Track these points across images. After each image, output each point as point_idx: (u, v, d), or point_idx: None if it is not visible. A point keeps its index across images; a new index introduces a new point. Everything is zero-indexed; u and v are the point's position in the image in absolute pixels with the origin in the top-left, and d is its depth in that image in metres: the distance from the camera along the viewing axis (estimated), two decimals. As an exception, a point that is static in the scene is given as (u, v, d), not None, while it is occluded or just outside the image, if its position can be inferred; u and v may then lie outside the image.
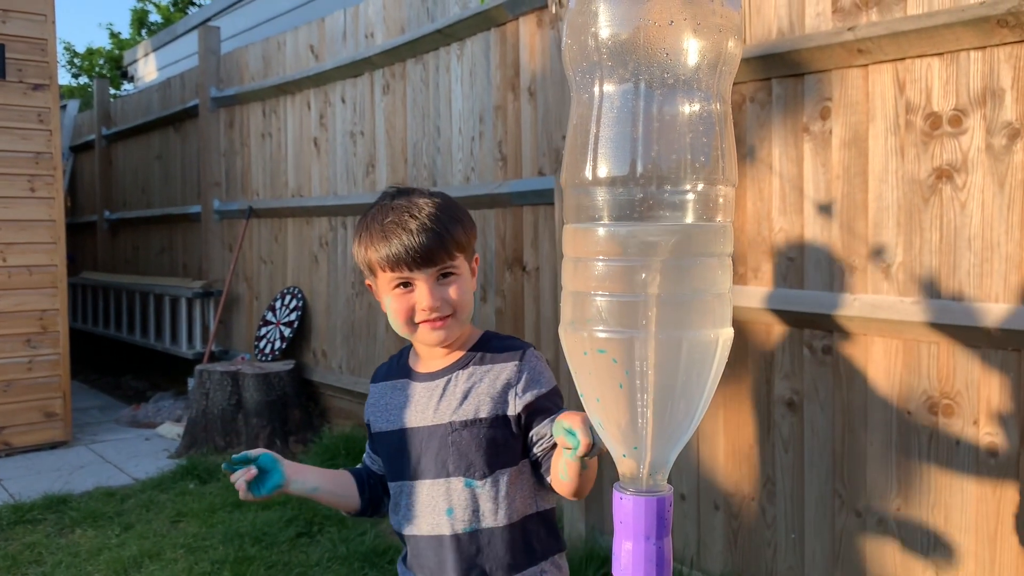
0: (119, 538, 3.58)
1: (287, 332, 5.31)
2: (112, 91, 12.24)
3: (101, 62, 15.48)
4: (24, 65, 5.01)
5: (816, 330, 2.57)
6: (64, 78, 16.39)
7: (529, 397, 1.43)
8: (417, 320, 1.40)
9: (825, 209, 2.53)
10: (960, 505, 2.28)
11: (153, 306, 6.82)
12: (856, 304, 2.45)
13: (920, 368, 2.35)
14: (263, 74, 5.71)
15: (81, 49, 16.25)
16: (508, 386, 1.44)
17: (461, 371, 1.46)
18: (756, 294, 2.69)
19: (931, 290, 2.32)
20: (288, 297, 5.43)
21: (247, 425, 4.88)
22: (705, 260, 0.57)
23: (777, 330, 2.67)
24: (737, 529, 2.82)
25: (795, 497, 2.65)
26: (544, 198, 3.49)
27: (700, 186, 0.56)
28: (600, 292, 0.57)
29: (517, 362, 1.45)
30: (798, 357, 2.62)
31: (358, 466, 1.62)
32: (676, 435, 0.61)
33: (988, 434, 2.22)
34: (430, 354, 1.50)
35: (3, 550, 3.46)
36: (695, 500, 2.93)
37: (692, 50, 0.54)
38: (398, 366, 1.53)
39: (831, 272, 2.52)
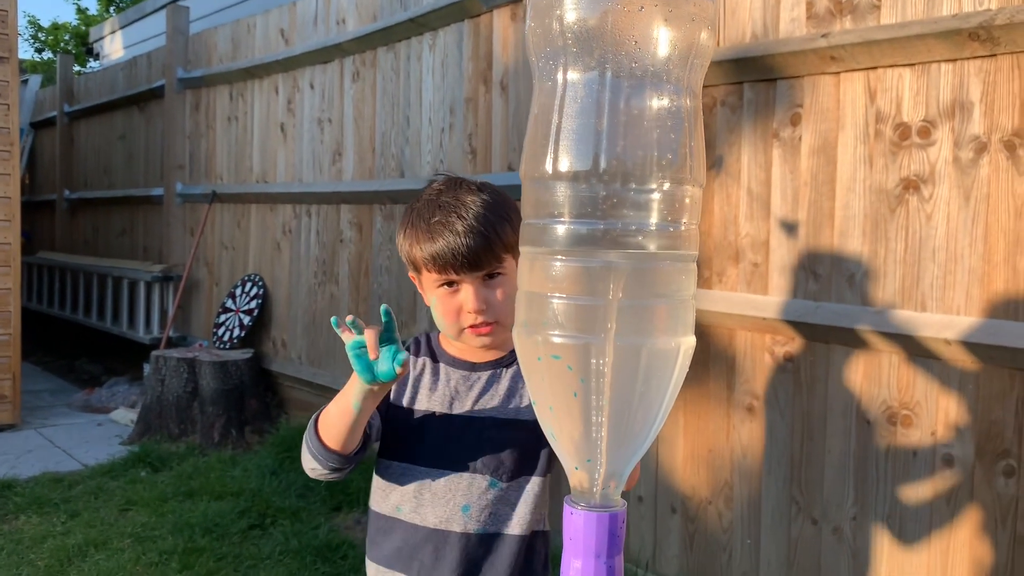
0: (64, 526, 3.49)
1: (247, 320, 5.23)
2: (77, 68, 11.98)
3: (67, 38, 15.14)
4: (-17, 36, 4.87)
5: (778, 336, 2.56)
6: (27, 53, 16.02)
7: None
8: (464, 324, 1.35)
9: (792, 216, 2.53)
10: (915, 515, 2.28)
11: (111, 289, 6.68)
12: (819, 312, 2.44)
13: (880, 378, 2.35)
14: (231, 56, 5.60)
15: (46, 23, 15.90)
16: None
17: (506, 369, 1.41)
18: (720, 298, 2.67)
19: (895, 300, 2.32)
20: (249, 284, 5.34)
21: (203, 413, 4.79)
22: (669, 264, 0.54)
23: (740, 335, 2.66)
24: (694, 533, 2.81)
25: (752, 502, 2.64)
26: (514, 194, 3.45)
27: (666, 185, 0.53)
28: (557, 294, 0.53)
29: None
30: (760, 363, 2.62)
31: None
32: (632, 447, 0.58)
33: (945, 445, 2.23)
34: (471, 348, 1.45)
35: (-58, 535, 3.36)
36: (652, 502, 2.92)
37: (663, 39, 0.50)
38: (428, 347, 1.45)
39: (795, 279, 2.52)
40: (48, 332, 8.01)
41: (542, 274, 0.54)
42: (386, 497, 1.41)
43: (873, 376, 2.36)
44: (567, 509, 0.58)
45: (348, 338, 1.22)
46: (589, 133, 0.50)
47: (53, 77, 8.54)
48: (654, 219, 0.53)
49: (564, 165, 0.52)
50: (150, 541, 3.31)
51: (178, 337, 5.95)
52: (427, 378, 1.41)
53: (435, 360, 1.43)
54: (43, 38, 15.84)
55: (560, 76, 0.51)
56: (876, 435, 2.35)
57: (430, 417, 1.38)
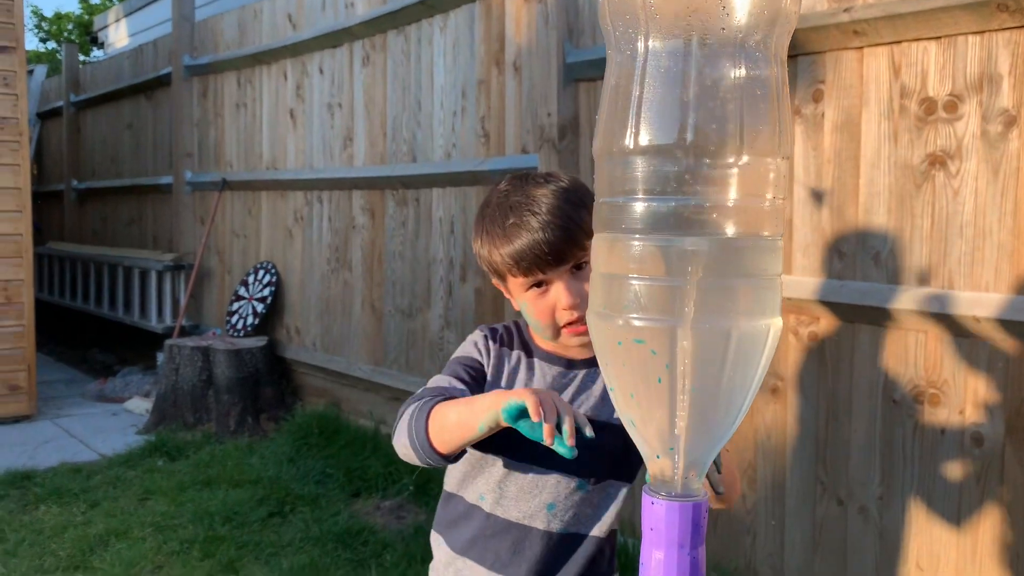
0: (85, 515, 3.50)
1: (260, 308, 5.21)
2: (82, 57, 11.94)
3: (70, 27, 15.10)
4: (-11, 26, 4.84)
5: (802, 316, 2.53)
6: (31, 43, 15.98)
7: None
8: (560, 323, 1.29)
9: (815, 194, 2.49)
10: (943, 496, 2.26)
11: (122, 279, 6.67)
12: (844, 291, 2.42)
13: (907, 357, 2.32)
14: (238, 43, 5.56)
15: (49, 13, 15.85)
16: None
17: (595, 370, 1.35)
18: (743, 278, 2.64)
19: (921, 278, 2.29)
20: (261, 272, 5.33)
21: (218, 402, 4.79)
22: (754, 241, 0.52)
23: (763, 315, 2.63)
24: (717, 515, 2.79)
25: (776, 484, 2.63)
26: (527, 176, 3.42)
27: (751, 158, 0.50)
28: (637, 275, 0.51)
29: None
30: (783, 343, 2.59)
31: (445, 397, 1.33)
32: (716, 435, 0.56)
33: (974, 424, 2.20)
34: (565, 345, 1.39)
35: (-36, 526, 3.36)
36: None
37: (751, 4, 0.48)
38: (521, 340, 1.39)
39: (820, 258, 2.49)
40: (60, 323, 8.02)
41: (620, 255, 0.52)
42: (469, 484, 1.37)
43: (900, 355, 2.34)
44: (647, 499, 0.55)
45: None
46: (674, 104, 0.48)
47: (58, 67, 8.51)
48: (738, 194, 0.50)
49: (646, 138, 0.49)
50: (170, 530, 3.31)
51: (191, 326, 5.95)
52: (523, 372, 1.36)
53: (529, 354, 1.37)
54: (47, 28, 15.80)
55: (640, 44, 0.49)
56: (903, 415, 2.33)
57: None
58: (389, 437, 4.32)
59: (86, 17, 14.60)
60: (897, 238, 2.33)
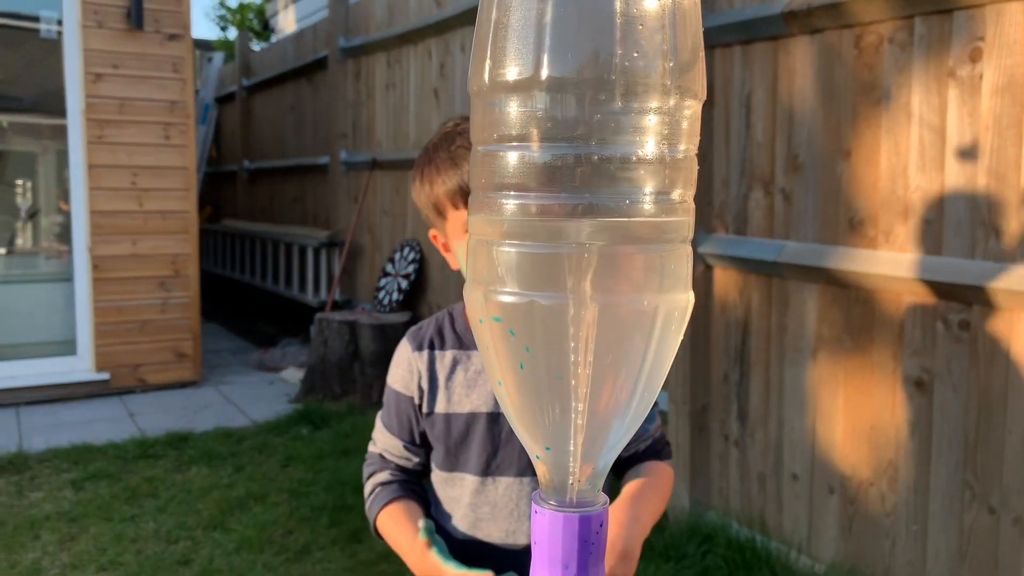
0: (230, 478, 3.69)
1: (404, 284, 5.32)
2: (260, 44, 12.62)
3: (251, 16, 16.01)
4: (160, 15, 5.16)
5: (953, 302, 2.28)
6: (214, 32, 17.06)
7: None
8: None
9: (971, 165, 2.22)
10: (1116, 510, 1.97)
11: (283, 254, 7.02)
12: (1002, 274, 2.15)
13: (1075, 350, 2.03)
14: (388, 23, 5.67)
15: (233, 4, 16.85)
16: None
17: None
18: (887, 260, 2.41)
19: (1094, 261, 1.99)
20: (407, 249, 5.44)
21: (362, 375, 4.93)
22: (652, 199, 0.41)
23: (908, 300, 2.39)
24: (853, 516, 2.58)
25: (919, 486, 2.39)
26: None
27: (655, 98, 0.39)
28: (505, 241, 0.42)
29: None
30: (931, 331, 2.34)
31: (390, 480, 1.26)
32: (603, 434, 0.45)
33: None
34: None
35: (125, 482, 3.62)
36: (808, 481, 2.70)
37: None
38: (454, 334, 1.27)
39: (974, 237, 2.22)
40: (230, 295, 8.56)
41: (487, 213, 0.42)
42: (443, 514, 1.26)
43: (1067, 348, 2.05)
44: (533, 507, 0.46)
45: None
46: (533, 27, 0.37)
47: (235, 54, 9.03)
48: (646, 143, 0.40)
49: (512, 71, 0.39)
50: (304, 496, 3.43)
51: (344, 300, 6.17)
52: (460, 375, 1.24)
53: (464, 347, 1.25)
54: (229, 18, 16.83)
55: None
56: (1069, 416, 2.05)
57: (474, 418, 1.23)
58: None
59: (263, 5, 15.44)
60: (1067, 215, 2.04)
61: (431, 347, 1.27)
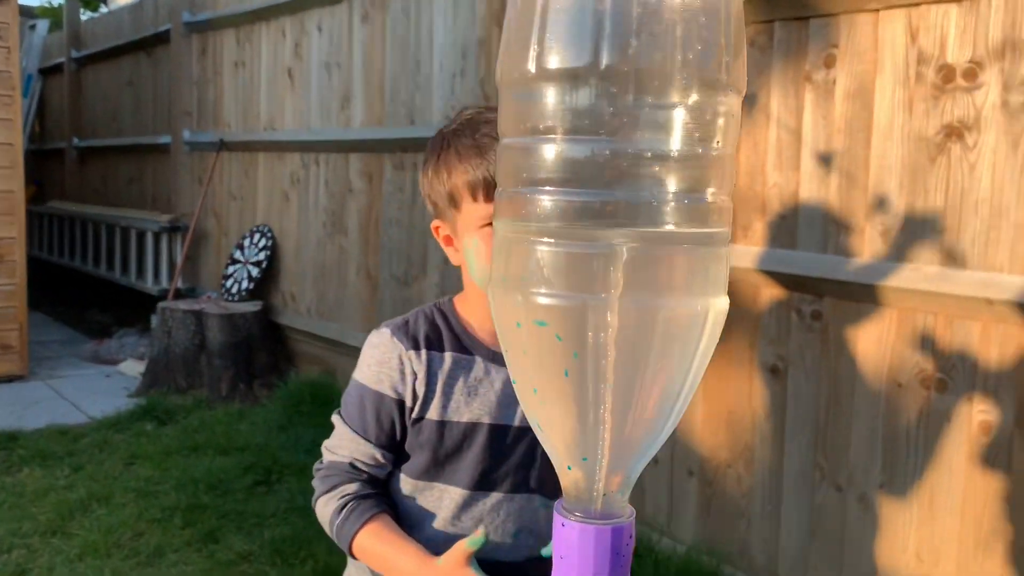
0: (68, 479, 3.43)
1: (255, 272, 5.12)
2: (89, 13, 11.77)
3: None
4: (-20, -24, 4.71)
5: (806, 294, 2.42)
6: (39, -1, 15.77)
7: None
8: None
9: (824, 165, 2.36)
10: (948, 484, 2.15)
11: (120, 239, 6.58)
12: (851, 268, 2.30)
13: (914, 339, 2.21)
14: (238, -1, 5.42)
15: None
16: None
17: None
18: (745, 253, 2.53)
19: (933, 256, 2.16)
20: (257, 235, 5.23)
21: (210, 366, 4.71)
22: (697, 199, 0.40)
23: (765, 292, 2.52)
24: (711, 497, 2.70)
25: (773, 467, 2.53)
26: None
27: (694, 94, 0.38)
28: (544, 239, 0.40)
29: None
30: (785, 321, 2.48)
31: (365, 493, 1.15)
32: (642, 442, 0.45)
33: (982, 412, 2.09)
34: None
35: (-56, 488, 3.30)
36: (668, 465, 2.81)
37: None
38: (451, 334, 1.16)
39: (826, 233, 2.37)
40: (59, 282, 7.95)
41: (526, 211, 0.40)
42: (419, 529, 1.16)
43: (906, 337, 2.22)
44: (557, 519, 0.44)
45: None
46: (586, 17, 0.36)
47: (61, 22, 8.37)
48: (677, 140, 0.38)
49: (554, 60, 0.38)
50: (153, 496, 3.24)
51: (187, 288, 5.86)
52: (460, 381, 1.15)
53: (465, 350, 1.16)
54: (54, -17, 15.58)
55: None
56: (908, 399, 2.22)
57: (476, 429, 1.14)
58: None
59: (94, -28, 14.40)
60: (908, 214, 2.21)
61: (429, 346, 1.16)
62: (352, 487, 1.14)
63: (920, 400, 2.20)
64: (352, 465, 1.16)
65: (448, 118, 3.91)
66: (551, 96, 0.38)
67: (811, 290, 2.39)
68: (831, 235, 2.35)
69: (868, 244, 2.28)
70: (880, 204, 2.26)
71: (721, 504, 2.66)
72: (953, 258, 2.12)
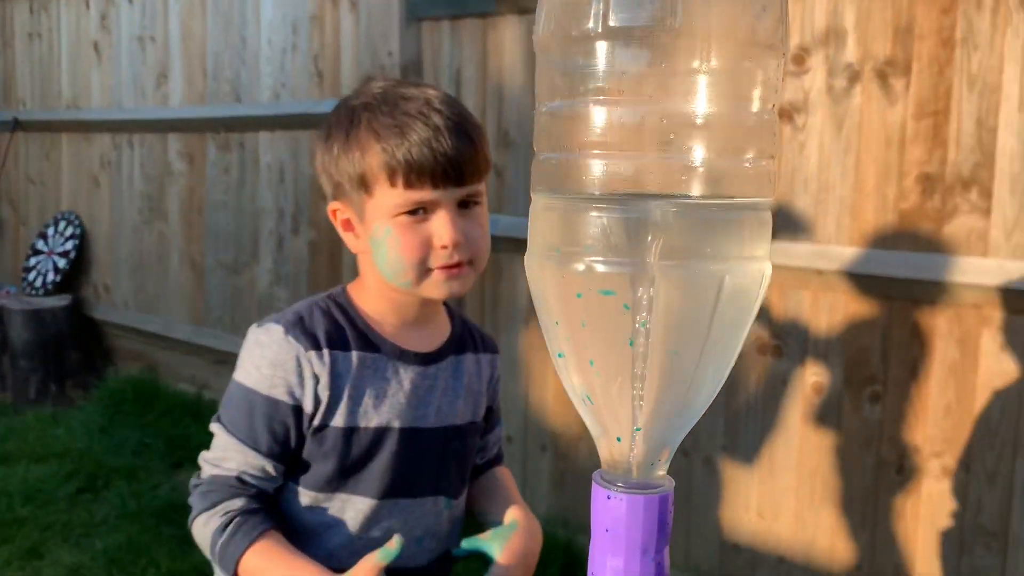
0: None
1: (62, 263, 4.71)
2: None
3: None
4: None
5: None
6: None
7: (496, 399, 1.22)
8: (434, 264, 1.00)
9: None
10: (784, 443, 2.31)
11: None
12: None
13: (753, 309, 2.34)
14: (30, -36, 4.94)
15: None
16: (490, 383, 1.19)
17: (462, 355, 1.14)
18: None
19: (767, 231, 2.30)
20: (63, 223, 4.81)
21: (14, 368, 4.30)
22: (739, 163, 0.40)
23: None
24: (564, 471, 2.76)
25: (624, 438, 2.62)
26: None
27: (750, 59, 0.38)
28: (606, 205, 0.38)
29: (496, 354, 1.20)
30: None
31: (253, 509, 1.03)
32: (694, 410, 0.45)
33: (814, 374, 2.25)
34: (413, 321, 1.09)
35: None
36: (522, 442, 2.84)
37: None
38: (355, 330, 1.06)
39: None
40: None
41: (582, 178, 0.38)
42: (316, 544, 1.06)
43: (746, 307, 2.35)
44: (600, 493, 0.43)
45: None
46: None
47: None
48: (724, 99, 0.38)
49: (618, 17, 0.36)
50: (-41, 514, 2.92)
51: (-21, 283, 5.32)
52: (368, 383, 1.06)
53: (372, 347, 1.06)
54: None
55: None
56: (747, 366, 2.36)
57: (386, 434, 1.07)
58: (213, 403, 3.97)
59: None
60: (745, 191, 2.34)
61: (332, 345, 1.05)
62: (237, 503, 1.03)
63: (758, 366, 2.34)
64: (239, 479, 1.04)
65: (278, 96, 3.73)
66: (615, 56, 0.36)
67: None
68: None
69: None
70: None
71: (574, 477, 2.73)
72: (786, 231, 2.27)
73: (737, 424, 2.39)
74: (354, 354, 1.05)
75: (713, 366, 0.44)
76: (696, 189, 0.39)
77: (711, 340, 0.42)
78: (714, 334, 0.42)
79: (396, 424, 1.07)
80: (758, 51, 0.38)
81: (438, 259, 1.00)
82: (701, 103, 0.38)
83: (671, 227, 0.38)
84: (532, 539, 1.08)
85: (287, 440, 1.05)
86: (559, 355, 0.44)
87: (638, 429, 0.44)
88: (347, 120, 1.02)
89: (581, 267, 0.39)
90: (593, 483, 0.44)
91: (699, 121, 0.39)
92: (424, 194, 0.98)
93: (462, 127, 1.00)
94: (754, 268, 0.42)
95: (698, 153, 0.39)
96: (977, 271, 1.98)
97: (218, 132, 3.88)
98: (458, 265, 1.01)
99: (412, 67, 2.99)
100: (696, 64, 0.36)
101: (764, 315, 2.32)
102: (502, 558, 1.03)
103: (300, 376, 1.03)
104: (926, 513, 2.10)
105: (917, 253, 2.08)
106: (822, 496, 2.26)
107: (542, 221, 0.41)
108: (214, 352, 3.92)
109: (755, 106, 0.39)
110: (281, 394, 1.04)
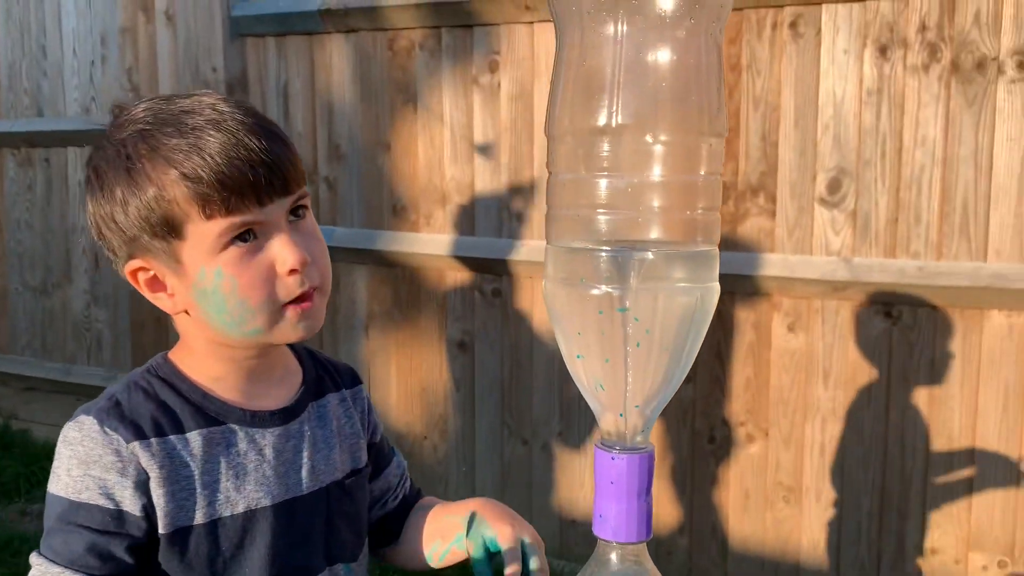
0: None
1: None
2: None
3: None
4: None
5: (487, 274, 2.70)
6: None
7: (377, 432, 1.07)
8: (283, 296, 0.84)
9: (494, 160, 2.66)
10: (613, 425, 2.58)
11: None
12: (523, 250, 2.62)
13: (580, 306, 2.59)
14: None
15: None
16: (363, 417, 1.04)
17: (323, 398, 0.99)
18: (429, 241, 2.75)
19: (590, 235, 2.56)
20: None
21: None
22: (702, 212, 0.59)
23: (450, 275, 2.76)
24: (409, 468, 2.89)
25: (466, 432, 2.80)
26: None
27: (690, 139, 0.57)
28: (605, 249, 0.56)
29: (359, 384, 1.06)
30: (470, 300, 2.74)
31: None
32: (672, 390, 0.63)
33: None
34: (259, 375, 0.92)
35: None
36: (366, 445, 2.95)
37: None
38: (189, 406, 0.89)
39: (500, 219, 2.67)
40: None
41: (588, 229, 0.56)
42: None
43: (573, 305, 2.60)
44: (605, 455, 0.61)
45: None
46: (604, 88, 0.52)
47: None
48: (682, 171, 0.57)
49: (602, 118, 0.54)
50: None
51: None
52: (221, 464, 0.89)
53: (215, 421, 0.89)
54: None
55: (611, 28, 0.53)
56: (577, 358, 2.60)
57: (257, 516, 0.90)
58: (23, 433, 3.74)
59: None
60: (568, 200, 2.58)
61: (159, 432, 0.86)
62: None
63: (587, 358, 2.59)
64: None
65: (88, 110, 3.60)
66: (610, 143, 0.54)
67: (491, 271, 2.68)
68: (504, 221, 2.66)
69: (537, 228, 2.62)
70: (542, 193, 2.61)
71: (420, 473, 2.88)
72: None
73: (570, 411, 2.63)
74: (194, 435, 0.87)
75: (684, 360, 0.62)
76: (666, 239, 0.58)
77: (688, 341, 0.60)
78: (690, 337, 0.60)
79: (266, 502, 0.90)
80: (695, 135, 0.56)
81: (287, 289, 0.84)
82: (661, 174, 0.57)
83: (656, 263, 0.57)
84: (495, 505, 0.99)
85: (121, 555, 0.83)
86: (578, 356, 0.61)
87: (637, 407, 0.61)
88: (121, 157, 0.84)
89: (604, 289, 0.57)
90: (596, 449, 0.62)
91: (663, 185, 0.58)
92: (251, 214, 0.81)
93: (264, 126, 0.84)
94: (713, 288, 0.61)
95: (659, 210, 0.58)
96: (767, 264, 2.33)
97: (18, 148, 3.68)
98: (308, 297, 0.86)
99: (238, 82, 3.02)
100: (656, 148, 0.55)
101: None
102: (501, 542, 0.93)
103: (121, 474, 0.84)
104: (735, 475, 2.43)
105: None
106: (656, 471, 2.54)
107: (565, 259, 0.58)
108: (23, 379, 3.72)
109: (711, 172, 0.59)
110: (94, 497, 0.83)
